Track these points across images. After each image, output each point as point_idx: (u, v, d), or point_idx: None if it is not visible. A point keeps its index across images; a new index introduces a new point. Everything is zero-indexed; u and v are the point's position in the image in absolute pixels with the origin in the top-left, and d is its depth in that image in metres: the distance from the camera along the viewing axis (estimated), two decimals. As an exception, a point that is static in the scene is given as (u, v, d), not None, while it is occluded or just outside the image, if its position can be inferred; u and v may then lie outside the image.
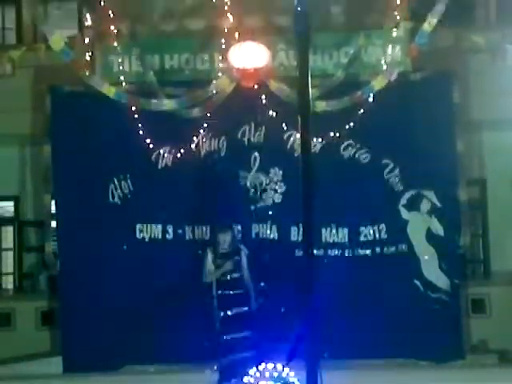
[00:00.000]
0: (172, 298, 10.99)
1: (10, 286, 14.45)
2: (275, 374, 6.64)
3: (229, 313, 9.84)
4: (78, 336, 11.17)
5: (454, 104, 11.58)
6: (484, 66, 12.15)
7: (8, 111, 12.76)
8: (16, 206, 14.15)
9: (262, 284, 10.56)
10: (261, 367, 6.76)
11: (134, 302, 11.18)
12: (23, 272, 14.01)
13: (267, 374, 6.63)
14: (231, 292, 9.91)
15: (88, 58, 11.04)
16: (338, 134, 11.17)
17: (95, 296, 11.20)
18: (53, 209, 11.99)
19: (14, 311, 12.84)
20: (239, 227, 11.33)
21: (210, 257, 10.03)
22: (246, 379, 6.76)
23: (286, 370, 6.62)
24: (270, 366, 6.68)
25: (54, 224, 11.98)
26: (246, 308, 9.90)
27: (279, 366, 6.65)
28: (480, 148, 12.64)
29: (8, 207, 14.62)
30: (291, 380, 6.61)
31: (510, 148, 12.25)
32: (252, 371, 6.81)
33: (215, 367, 9.86)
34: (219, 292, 9.90)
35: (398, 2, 10.74)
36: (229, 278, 9.92)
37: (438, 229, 11.54)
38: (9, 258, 14.50)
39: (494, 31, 12.34)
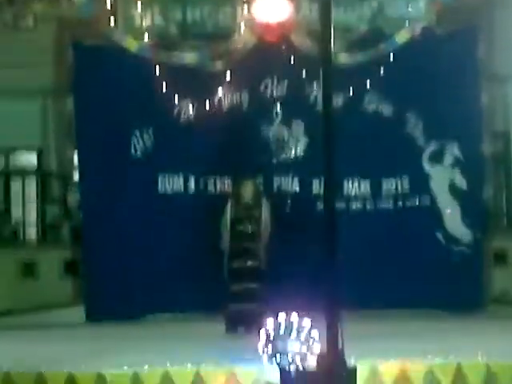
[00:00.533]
0: (193, 248, 11.10)
1: (34, 236, 14.63)
2: (295, 325, 6.69)
3: (238, 264, 9.96)
4: (100, 285, 11.32)
5: (478, 58, 11.49)
6: (509, 19, 12.01)
7: (30, 65, 12.81)
8: (39, 158, 14.29)
9: None
10: (280, 317, 6.82)
11: (155, 253, 11.32)
12: (46, 223, 14.16)
13: (285, 324, 6.69)
14: (244, 244, 9.99)
15: (109, 12, 11.00)
16: (360, 88, 11.14)
17: (117, 246, 11.32)
18: (75, 161, 12.07)
19: (37, 261, 13.01)
20: (261, 180, 11.42)
21: (229, 208, 10.09)
22: (265, 329, 6.81)
23: (306, 320, 6.67)
24: (289, 316, 6.74)
25: (76, 176, 12.06)
26: (256, 262, 9.98)
27: (298, 317, 6.70)
28: (504, 101, 12.56)
29: (31, 159, 14.75)
30: (311, 331, 6.67)
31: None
32: (271, 321, 6.86)
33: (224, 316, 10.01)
34: (232, 243, 9.99)
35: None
36: (243, 230, 10.01)
37: (461, 182, 11.52)
38: (32, 209, 14.66)
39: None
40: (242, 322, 9.86)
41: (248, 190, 10.16)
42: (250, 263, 10.04)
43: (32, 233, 14.70)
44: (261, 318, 9.58)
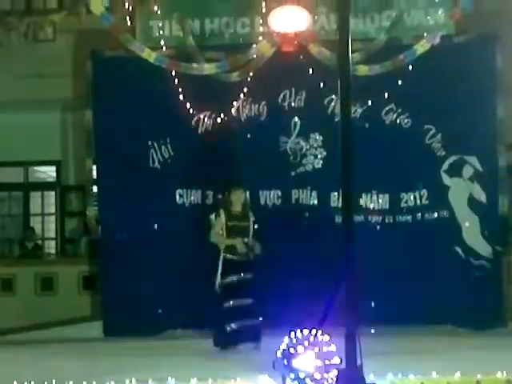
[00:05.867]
0: (213, 262, 11.00)
1: (53, 250, 14.63)
2: (311, 340, 6.59)
3: (233, 278, 9.84)
4: (118, 300, 11.27)
5: (496, 68, 11.39)
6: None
7: (49, 76, 12.84)
8: (58, 171, 14.31)
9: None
10: (297, 333, 6.72)
11: (173, 267, 11.25)
12: (65, 237, 14.15)
13: (303, 341, 6.59)
14: (236, 258, 9.88)
15: (128, 23, 10.99)
16: (379, 99, 11.06)
17: (136, 261, 11.26)
18: (94, 174, 12.06)
19: (56, 276, 12.97)
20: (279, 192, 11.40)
21: (222, 216, 9.98)
22: (283, 345, 6.72)
23: (324, 337, 6.57)
24: (306, 331, 6.64)
25: (95, 189, 12.05)
26: (251, 275, 9.85)
27: (315, 332, 6.60)
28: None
29: (50, 172, 14.77)
30: (329, 347, 6.57)
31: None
32: (287, 337, 6.77)
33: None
34: (225, 256, 9.90)
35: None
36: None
37: (481, 195, 11.43)
38: (51, 222, 14.67)
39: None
40: (242, 339, 9.72)
41: (238, 200, 10.05)
42: (244, 277, 9.89)
43: (51, 246, 14.70)
44: (260, 334, 9.61)
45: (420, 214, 11.52)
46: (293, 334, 6.70)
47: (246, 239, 9.90)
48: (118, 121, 11.56)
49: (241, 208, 10.07)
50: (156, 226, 11.46)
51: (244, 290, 9.76)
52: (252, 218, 10.07)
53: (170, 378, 7.31)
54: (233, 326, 9.71)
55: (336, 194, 11.14)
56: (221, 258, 9.96)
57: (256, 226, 10.04)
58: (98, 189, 11.90)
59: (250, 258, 9.89)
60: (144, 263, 11.26)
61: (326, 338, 6.55)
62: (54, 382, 7.28)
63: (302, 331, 6.65)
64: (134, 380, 7.30)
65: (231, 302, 9.76)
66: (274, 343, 7.00)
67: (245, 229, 9.97)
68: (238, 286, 9.80)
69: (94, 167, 11.98)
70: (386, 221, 11.58)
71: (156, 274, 11.25)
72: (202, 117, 11.58)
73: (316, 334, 6.56)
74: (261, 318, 9.73)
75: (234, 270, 9.85)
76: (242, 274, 9.82)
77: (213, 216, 10.13)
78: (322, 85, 11.06)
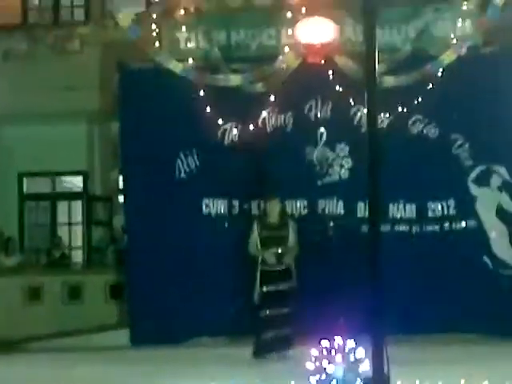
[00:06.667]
0: (237, 272, 11.03)
1: (79, 259, 14.73)
2: (345, 350, 6.58)
3: (269, 288, 9.87)
4: (144, 309, 11.33)
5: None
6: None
7: (77, 88, 12.94)
8: (85, 181, 14.42)
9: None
10: (326, 342, 6.71)
11: (200, 276, 11.29)
12: (92, 246, 14.23)
13: (334, 351, 6.59)
14: (268, 269, 9.92)
15: (155, 35, 11.06)
16: (406, 109, 11.05)
17: (162, 270, 11.31)
18: (120, 184, 12.13)
19: (83, 284, 13.05)
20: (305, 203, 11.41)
21: (255, 228, 10.03)
22: (314, 352, 6.71)
23: (358, 348, 6.56)
24: (337, 341, 6.63)
25: (121, 199, 12.11)
26: (287, 285, 9.89)
27: (347, 342, 6.59)
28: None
29: (77, 182, 14.88)
30: (359, 356, 6.56)
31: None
32: (317, 347, 6.76)
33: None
34: (261, 267, 9.93)
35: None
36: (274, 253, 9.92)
37: (509, 205, 11.38)
38: (78, 232, 14.78)
39: None
40: (274, 348, 9.77)
41: (274, 210, 10.10)
42: (280, 287, 9.93)
43: (78, 255, 14.80)
44: (293, 342, 9.63)
45: (448, 223, 11.49)
46: (323, 342, 6.69)
47: (276, 249, 9.93)
48: (145, 132, 11.64)
49: (277, 218, 10.10)
50: (182, 235, 11.47)
51: (280, 300, 9.81)
52: (292, 227, 10.09)
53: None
54: (269, 334, 9.76)
55: (363, 204, 11.11)
56: (258, 268, 10.00)
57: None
58: (125, 199, 11.98)
59: (285, 268, 9.92)
60: (170, 272, 11.32)
61: (354, 345, 6.55)
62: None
63: (331, 340, 6.64)
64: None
65: (267, 312, 9.81)
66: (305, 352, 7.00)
67: (281, 239, 10.00)
68: (275, 295, 9.85)
69: (121, 178, 12.05)
70: (414, 230, 11.56)
71: (181, 283, 11.29)
72: (228, 128, 11.62)
73: (345, 342, 6.55)
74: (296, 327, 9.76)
75: (269, 281, 9.93)
76: (278, 284, 9.85)
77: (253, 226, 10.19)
78: (348, 95, 11.06)
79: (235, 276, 11.05)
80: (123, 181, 12.04)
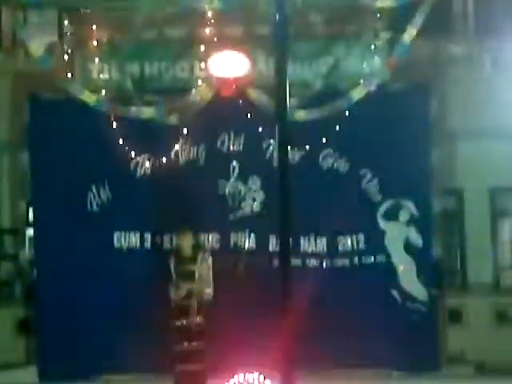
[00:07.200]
0: (148, 308, 10.90)
1: (-14, 293, 14.32)
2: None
3: (181, 323, 9.80)
4: (53, 345, 11.15)
5: (430, 116, 11.66)
6: (461, 76, 12.19)
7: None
8: (-9, 213, 14.02)
9: None
10: (239, 377, 6.70)
11: (109, 312, 11.15)
12: None
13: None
14: (185, 303, 9.83)
15: (67, 66, 10.95)
16: (316, 144, 11.18)
17: (71, 305, 11.17)
18: (29, 216, 11.91)
19: (-11, 320, 12.69)
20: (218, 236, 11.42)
21: (171, 262, 9.96)
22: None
23: (265, 380, 6.56)
24: (247, 375, 6.63)
25: (29, 232, 11.88)
26: (199, 320, 9.82)
27: (256, 376, 6.60)
28: (456, 158, 12.58)
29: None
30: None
31: (486, 158, 12.26)
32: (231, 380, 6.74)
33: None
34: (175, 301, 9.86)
35: (378, 12, 10.75)
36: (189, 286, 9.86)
37: (416, 239, 11.60)
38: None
39: (472, 43, 12.41)
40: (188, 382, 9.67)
41: (186, 244, 10.03)
42: (189, 322, 9.83)
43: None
44: (204, 377, 9.54)
45: (357, 257, 11.63)
46: (237, 377, 6.68)
47: (189, 284, 9.84)
48: (55, 164, 11.53)
49: (190, 251, 10.03)
50: (92, 269, 11.31)
51: (192, 334, 9.71)
52: (206, 261, 9.99)
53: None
54: (180, 368, 9.66)
55: (275, 237, 11.13)
56: (171, 302, 9.88)
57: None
58: (34, 232, 11.79)
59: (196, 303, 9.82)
60: (79, 307, 11.17)
61: (263, 380, 6.55)
62: None
63: (242, 374, 6.64)
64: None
65: (178, 346, 9.71)
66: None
67: (194, 273, 9.92)
68: (186, 330, 9.74)
69: (30, 210, 11.84)
70: (324, 264, 11.64)
71: (90, 318, 11.14)
72: (140, 160, 11.56)
73: (257, 377, 6.56)
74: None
75: (181, 315, 9.79)
76: (190, 319, 9.77)
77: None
78: (260, 129, 11.13)
79: (146, 311, 10.91)
80: (33, 213, 11.84)
